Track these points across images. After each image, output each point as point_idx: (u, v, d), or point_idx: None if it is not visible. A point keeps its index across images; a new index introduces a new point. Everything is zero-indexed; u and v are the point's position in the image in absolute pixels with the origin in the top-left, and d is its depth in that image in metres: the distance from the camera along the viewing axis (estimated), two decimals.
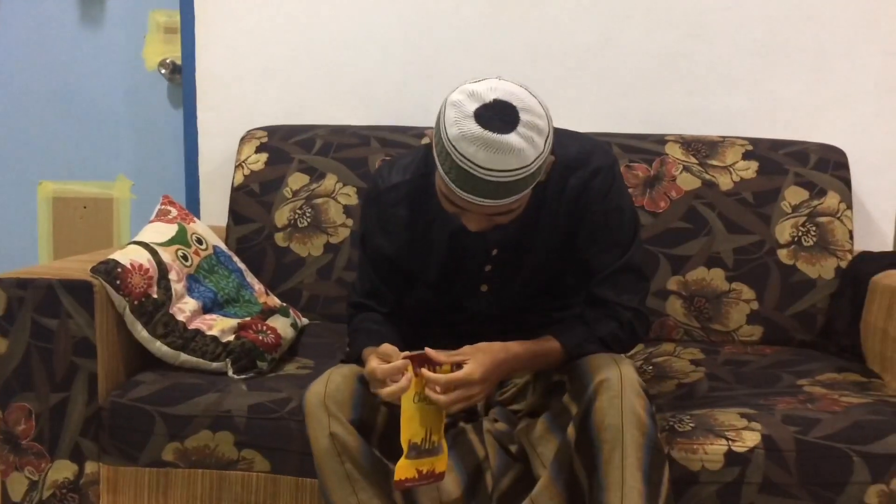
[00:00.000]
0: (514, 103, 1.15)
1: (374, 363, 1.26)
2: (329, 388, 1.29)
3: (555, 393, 1.33)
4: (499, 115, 1.14)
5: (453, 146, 1.15)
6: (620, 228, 1.36)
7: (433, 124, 2.10)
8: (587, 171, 1.33)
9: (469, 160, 1.14)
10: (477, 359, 1.26)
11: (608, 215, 1.35)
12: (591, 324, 1.35)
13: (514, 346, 1.30)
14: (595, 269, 1.37)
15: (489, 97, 1.15)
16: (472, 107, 1.15)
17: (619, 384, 1.21)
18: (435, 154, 1.20)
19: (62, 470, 1.56)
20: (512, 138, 1.13)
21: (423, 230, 1.39)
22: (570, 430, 1.24)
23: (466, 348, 1.28)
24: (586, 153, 1.34)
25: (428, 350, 1.25)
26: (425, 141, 2.04)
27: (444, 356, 1.26)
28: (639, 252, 1.39)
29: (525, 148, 1.14)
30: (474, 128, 1.13)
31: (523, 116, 1.15)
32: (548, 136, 1.18)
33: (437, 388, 1.23)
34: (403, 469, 1.22)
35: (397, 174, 1.40)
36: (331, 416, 1.27)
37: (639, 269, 1.39)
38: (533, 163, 1.16)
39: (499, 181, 1.15)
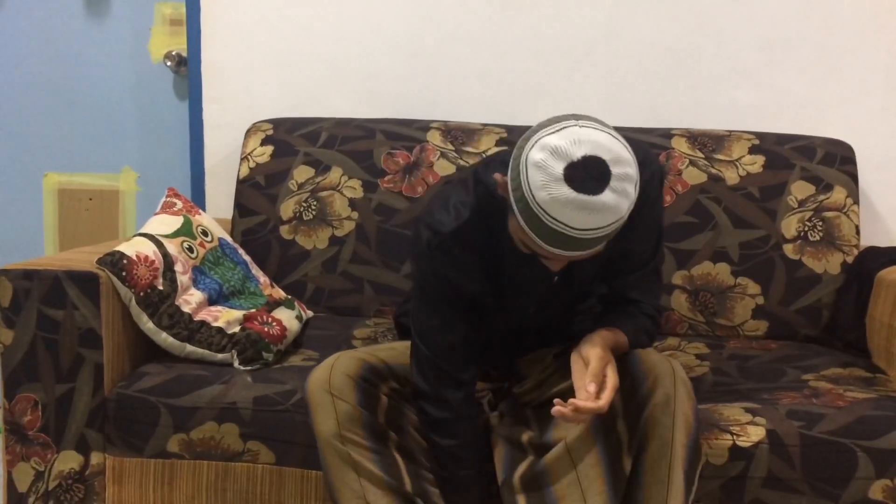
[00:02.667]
0: (604, 156, 1.08)
1: None
2: (333, 374, 1.29)
3: None
4: (591, 174, 1.07)
5: (544, 210, 1.08)
6: (655, 231, 1.36)
7: (439, 116, 2.13)
8: (642, 179, 1.26)
9: (563, 223, 1.08)
10: (612, 366, 1.23)
11: (650, 218, 1.33)
12: (633, 317, 1.36)
13: (609, 337, 1.28)
14: (627, 268, 1.36)
15: (577, 154, 1.07)
16: (560, 167, 1.07)
17: (672, 383, 1.23)
18: (516, 210, 1.12)
19: (68, 461, 1.56)
20: (607, 197, 1.07)
21: (494, 267, 1.32)
22: (621, 424, 1.25)
23: (597, 353, 1.23)
24: (640, 162, 1.25)
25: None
26: (433, 134, 2.04)
27: (594, 387, 1.21)
28: (663, 256, 1.41)
29: (620, 203, 1.08)
30: (567, 192, 1.06)
31: (614, 170, 1.08)
32: (637, 181, 1.12)
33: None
34: None
35: (455, 218, 1.28)
36: (335, 398, 1.27)
37: (660, 272, 1.41)
38: (626, 211, 1.11)
39: (593, 237, 1.10)
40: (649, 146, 1.96)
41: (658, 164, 1.35)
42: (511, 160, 1.14)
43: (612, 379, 1.21)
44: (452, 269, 1.29)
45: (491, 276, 1.31)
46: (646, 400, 1.22)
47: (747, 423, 1.41)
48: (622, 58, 2.12)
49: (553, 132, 1.10)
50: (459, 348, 1.32)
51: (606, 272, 1.38)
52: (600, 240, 1.12)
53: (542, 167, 1.08)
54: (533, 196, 1.09)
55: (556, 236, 1.10)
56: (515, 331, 1.44)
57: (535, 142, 1.10)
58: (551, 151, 1.08)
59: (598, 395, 1.19)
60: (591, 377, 1.20)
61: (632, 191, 1.10)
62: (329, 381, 1.29)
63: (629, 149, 1.12)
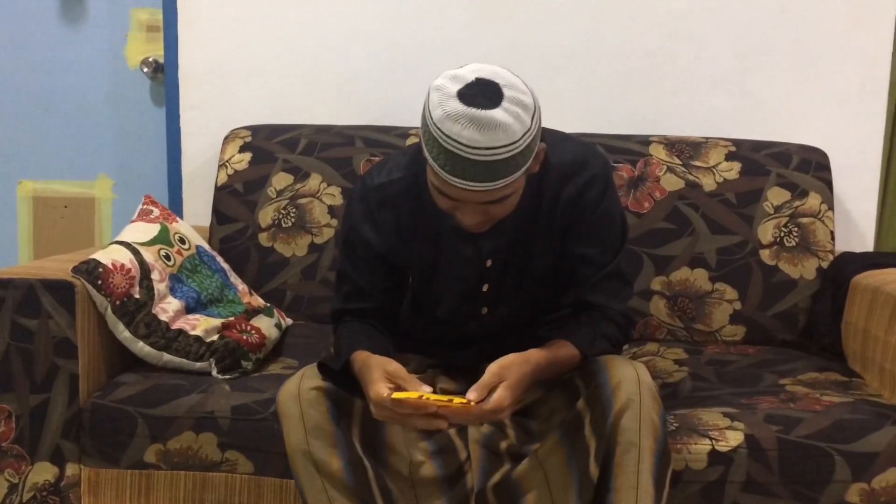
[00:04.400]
0: (497, 81, 1.14)
1: (381, 388, 1.19)
2: (303, 385, 1.28)
3: (564, 395, 1.32)
4: (482, 93, 1.13)
5: (438, 128, 1.14)
6: (610, 234, 1.37)
7: (418, 124, 2.12)
8: (583, 180, 1.32)
9: (454, 140, 1.13)
10: (507, 383, 1.20)
11: (600, 221, 1.34)
12: (593, 324, 1.35)
13: (535, 356, 1.26)
14: (583, 274, 1.36)
15: (471, 77, 1.15)
16: (455, 87, 1.14)
17: (637, 388, 1.21)
18: (423, 145, 1.18)
19: (43, 472, 1.54)
20: (497, 113, 1.12)
21: (410, 234, 1.37)
22: (588, 431, 1.24)
23: (493, 368, 1.22)
24: (581, 160, 1.33)
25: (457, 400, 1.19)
26: (412, 141, 2.04)
27: (475, 395, 1.19)
28: (625, 258, 1.40)
29: (511, 123, 1.13)
30: (458, 106, 1.12)
31: (507, 92, 1.14)
32: (534, 114, 1.16)
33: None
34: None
35: (386, 175, 1.38)
36: (304, 413, 1.26)
37: (623, 275, 1.40)
38: (521, 139, 1.14)
39: (487, 160, 1.13)
40: (625, 151, 1.98)
41: (603, 167, 1.35)
42: None
43: (496, 397, 1.18)
44: (367, 224, 1.36)
45: (410, 243, 1.36)
46: (610, 406, 1.22)
47: (726, 428, 1.42)
48: (600, 65, 2.13)
49: (457, 68, 1.18)
50: (357, 303, 1.40)
51: (570, 278, 1.38)
52: (496, 167, 1.13)
53: (439, 89, 1.15)
54: (431, 116, 1.15)
55: (452, 160, 1.14)
56: (473, 332, 1.44)
57: (441, 75, 1.18)
58: (450, 77, 1.16)
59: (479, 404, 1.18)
60: (474, 388, 1.19)
61: (527, 119, 1.14)
62: (299, 391, 1.28)
63: (528, 86, 1.17)
